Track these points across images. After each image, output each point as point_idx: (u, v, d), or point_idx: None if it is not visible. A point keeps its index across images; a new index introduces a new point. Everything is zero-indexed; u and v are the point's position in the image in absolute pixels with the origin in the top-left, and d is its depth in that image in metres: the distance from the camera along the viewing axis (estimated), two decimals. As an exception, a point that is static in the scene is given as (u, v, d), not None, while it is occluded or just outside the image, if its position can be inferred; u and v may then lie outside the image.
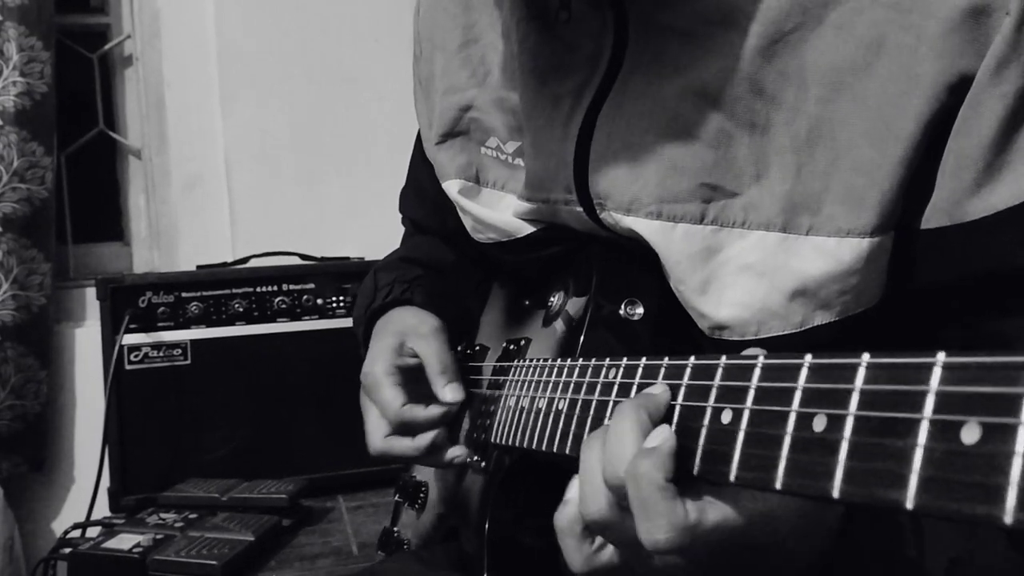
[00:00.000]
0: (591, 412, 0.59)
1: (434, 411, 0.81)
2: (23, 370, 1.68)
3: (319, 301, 1.67)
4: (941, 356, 0.33)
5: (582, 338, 0.72)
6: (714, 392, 0.46)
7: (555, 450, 0.63)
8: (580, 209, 0.72)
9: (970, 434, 0.31)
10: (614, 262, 0.73)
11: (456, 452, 0.81)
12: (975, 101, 0.55)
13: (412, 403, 0.82)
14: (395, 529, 1.02)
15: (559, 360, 0.68)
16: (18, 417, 1.68)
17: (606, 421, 0.57)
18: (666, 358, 0.52)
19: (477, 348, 0.92)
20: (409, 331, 0.86)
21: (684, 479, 0.46)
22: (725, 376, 0.46)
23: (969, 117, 0.55)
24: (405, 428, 0.82)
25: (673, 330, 0.70)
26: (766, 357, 0.44)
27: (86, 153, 1.91)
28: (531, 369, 0.73)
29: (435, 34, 0.87)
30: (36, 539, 1.75)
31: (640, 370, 0.55)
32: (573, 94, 0.71)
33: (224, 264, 1.78)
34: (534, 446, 0.67)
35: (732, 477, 0.43)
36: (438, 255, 1.01)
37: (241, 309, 1.63)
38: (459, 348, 0.92)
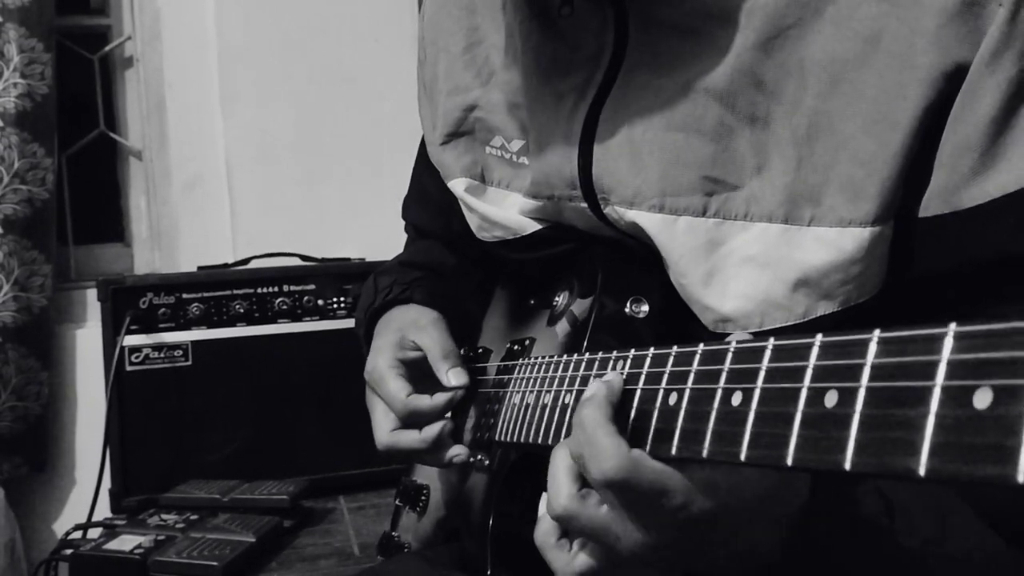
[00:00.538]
0: None
1: (440, 399, 0.81)
2: (24, 371, 1.68)
3: (320, 302, 1.67)
4: (952, 326, 0.34)
5: (587, 336, 0.72)
6: (724, 375, 0.46)
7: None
8: (584, 205, 0.72)
9: (982, 399, 0.31)
10: (618, 262, 0.74)
11: (457, 451, 0.81)
12: (971, 89, 0.56)
13: (417, 393, 0.82)
14: (395, 533, 1.01)
15: (565, 356, 0.68)
16: (19, 418, 1.68)
17: None
18: (675, 347, 0.52)
19: (480, 351, 0.92)
20: (409, 325, 0.87)
21: (694, 462, 0.47)
22: (736, 360, 0.46)
23: (965, 105, 0.56)
24: (411, 420, 0.82)
25: (677, 327, 0.70)
26: (776, 338, 0.44)
27: (87, 154, 1.91)
28: (536, 366, 0.74)
29: (439, 38, 0.88)
30: (37, 540, 1.75)
31: (648, 360, 0.54)
32: (576, 91, 0.72)
33: (225, 265, 1.78)
34: (539, 441, 0.68)
35: (743, 457, 0.43)
36: (438, 258, 1.01)
37: (242, 310, 1.63)
38: (462, 351, 0.92)
